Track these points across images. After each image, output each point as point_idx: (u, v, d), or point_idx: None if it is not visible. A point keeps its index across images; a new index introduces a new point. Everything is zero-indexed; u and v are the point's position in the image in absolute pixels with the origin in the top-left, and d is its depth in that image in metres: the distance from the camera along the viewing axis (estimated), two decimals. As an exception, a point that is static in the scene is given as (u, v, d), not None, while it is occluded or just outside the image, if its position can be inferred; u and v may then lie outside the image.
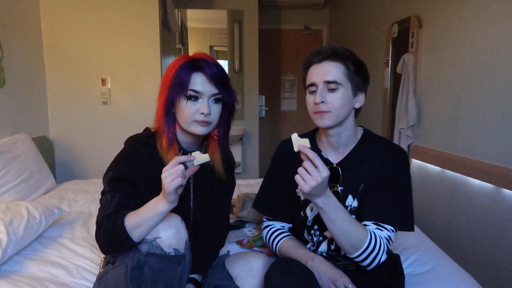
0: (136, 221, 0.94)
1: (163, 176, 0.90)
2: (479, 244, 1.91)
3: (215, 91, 1.05)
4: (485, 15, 1.86)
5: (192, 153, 0.95)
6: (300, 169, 0.96)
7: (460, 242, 2.05)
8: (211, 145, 1.15)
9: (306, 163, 0.95)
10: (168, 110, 1.06)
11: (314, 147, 1.22)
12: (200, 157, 0.95)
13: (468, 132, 1.99)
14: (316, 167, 0.94)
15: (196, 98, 1.04)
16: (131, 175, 1.03)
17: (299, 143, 0.98)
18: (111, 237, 0.95)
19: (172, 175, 0.89)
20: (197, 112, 1.03)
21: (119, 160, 1.07)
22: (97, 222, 1.00)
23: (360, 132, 1.22)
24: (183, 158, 0.93)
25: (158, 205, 0.94)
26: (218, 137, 1.13)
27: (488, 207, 1.84)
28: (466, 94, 2.01)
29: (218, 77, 1.04)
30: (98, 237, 0.99)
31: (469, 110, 1.99)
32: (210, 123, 1.06)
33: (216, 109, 1.07)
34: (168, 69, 1.06)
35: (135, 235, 0.94)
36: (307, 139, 0.98)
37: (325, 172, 0.94)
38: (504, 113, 1.73)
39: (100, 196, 1.07)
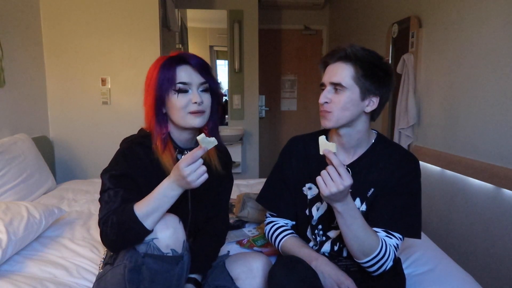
0: (149, 209, 0.94)
1: (186, 173, 0.90)
2: (479, 244, 1.90)
3: (202, 79, 1.07)
4: (485, 15, 1.86)
5: (197, 138, 0.96)
6: (323, 172, 0.96)
7: (460, 242, 2.05)
8: None
9: (330, 169, 0.95)
10: (159, 111, 1.07)
11: None
12: (209, 144, 0.97)
13: (468, 132, 1.99)
14: (339, 174, 0.94)
15: (185, 91, 1.05)
16: (132, 172, 1.04)
17: (325, 147, 0.97)
18: (121, 228, 0.94)
19: (197, 174, 0.92)
20: (190, 102, 1.05)
21: (118, 159, 1.07)
22: (101, 219, 0.99)
23: (373, 136, 1.21)
24: (200, 152, 0.93)
25: (172, 192, 0.95)
26: (208, 131, 1.14)
27: (488, 207, 1.84)
28: (466, 94, 2.01)
29: (202, 66, 1.07)
30: (104, 233, 0.97)
31: (469, 110, 1.98)
32: (204, 111, 1.07)
33: (207, 98, 1.08)
34: (149, 72, 1.09)
35: (149, 222, 0.94)
36: (334, 144, 0.98)
37: (348, 180, 0.94)
38: (504, 113, 1.73)
39: (99, 196, 1.06)
